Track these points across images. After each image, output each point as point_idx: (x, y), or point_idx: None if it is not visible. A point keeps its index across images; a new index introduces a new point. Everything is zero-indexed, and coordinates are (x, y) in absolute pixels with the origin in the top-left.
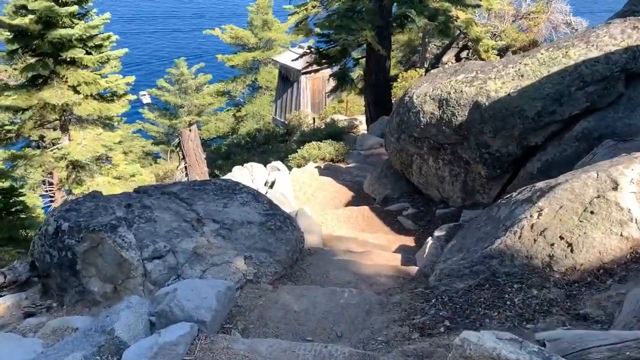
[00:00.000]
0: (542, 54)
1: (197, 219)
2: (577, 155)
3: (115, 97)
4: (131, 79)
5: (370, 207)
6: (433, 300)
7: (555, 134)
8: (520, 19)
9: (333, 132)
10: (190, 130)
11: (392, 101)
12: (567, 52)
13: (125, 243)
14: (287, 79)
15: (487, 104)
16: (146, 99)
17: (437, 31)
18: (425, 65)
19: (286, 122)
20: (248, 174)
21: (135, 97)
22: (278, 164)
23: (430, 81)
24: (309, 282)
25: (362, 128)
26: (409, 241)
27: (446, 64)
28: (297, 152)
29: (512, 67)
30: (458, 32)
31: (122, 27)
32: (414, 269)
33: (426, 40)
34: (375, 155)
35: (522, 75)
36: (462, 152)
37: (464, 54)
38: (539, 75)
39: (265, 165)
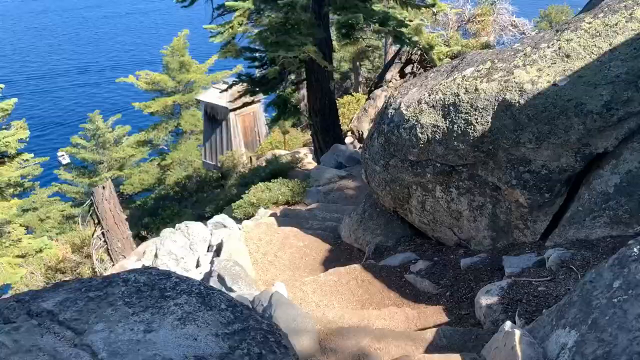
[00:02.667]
0: (589, 23)
1: None
2: None
3: (5, 159)
4: (24, 134)
5: (362, 265)
6: None
7: (635, 133)
8: (466, 23)
9: (278, 169)
10: (104, 188)
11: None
12: (631, 13)
13: None
14: (215, 118)
15: (521, 101)
16: (65, 160)
17: (392, 37)
18: (360, 90)
19: (219, 165)
20: (182, 238)
21: (32, 155)
22: (223, 218)
23: (420, 85)
24: None
25: (307, 161)
26: (438, 315)
27: (390, 81)
28: (241, 198)
29: (549, 47)
30: (406, 41)
31: (28, 86)
32: None
33: (357, 64)
34: (335, 190)
35: (567, 56)
36: (487, 175)
37: (408, 69)
38: (595, 51)
39: (205, 222)
